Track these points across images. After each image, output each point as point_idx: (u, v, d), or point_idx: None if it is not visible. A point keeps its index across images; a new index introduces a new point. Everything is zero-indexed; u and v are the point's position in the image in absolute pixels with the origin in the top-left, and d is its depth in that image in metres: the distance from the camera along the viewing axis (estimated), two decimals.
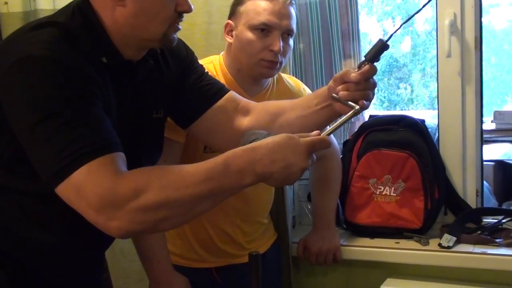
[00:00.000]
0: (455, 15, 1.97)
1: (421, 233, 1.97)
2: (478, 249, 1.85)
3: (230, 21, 1.73)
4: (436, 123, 2.11)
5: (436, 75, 2.07)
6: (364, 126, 2.10)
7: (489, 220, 2.01)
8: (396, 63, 4.24)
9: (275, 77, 1.85)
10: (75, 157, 1.08)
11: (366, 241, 2.02)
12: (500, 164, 2.95)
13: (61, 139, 1.09)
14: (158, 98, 1.41)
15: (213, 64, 1.77)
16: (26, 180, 1.21)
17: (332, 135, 2.00)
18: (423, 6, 1.43)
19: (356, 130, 2.15)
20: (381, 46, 1.33)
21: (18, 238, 1.29)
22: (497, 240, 1.88)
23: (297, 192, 2.28)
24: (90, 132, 1.11)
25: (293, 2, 1.73)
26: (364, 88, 1.33)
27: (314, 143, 1.16)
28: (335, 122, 1.32)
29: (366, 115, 2.25)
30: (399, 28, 1.39)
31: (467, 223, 1.97)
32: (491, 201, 2.59)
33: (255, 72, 1.71)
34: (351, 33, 2.38)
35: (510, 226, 1.93)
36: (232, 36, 1.72)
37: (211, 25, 2.09)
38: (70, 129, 1.10)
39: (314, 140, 1.16)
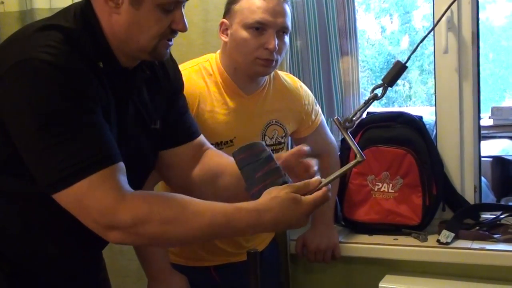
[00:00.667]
0: (452, 11, 1.96)
1: (419, 229, 1.97)
2: (476, 245, 1.85)
3: (225, 20, 1.73)
4: (434, 119, 2.11)
5: (433, 72, 2.06)
6: (362, 123, 2.09)
7: (487, 216, 2.01)
8: (394, 60, 4.24)
9: (271, 74, 1.84)
10: (77, 168, 1.10)
11: (365, 238, 2.02)
12: (498, 160, 2.95)
13: (63, 147, 1.10)
14: (156, 109, 1.40)
15: (210, 62, 1.77)
16: (22, 182, 1.21)
17: (330, 132, 2.02)
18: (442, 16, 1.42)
19: (354, 127, 2.14)
20: (400, 69, 1.30)
21: (14, 239, 1.29)
22: (495, 236, 1.88)
23: None
24: (92, 142, 1.13)
25: None
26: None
27: (316, 203, 1.20)
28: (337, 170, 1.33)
29: (364, 113, 2.24)
30: (416, 48, 1.36)
31: (465, 219, 1.97)
32: (489, 197, 2.60)
33: (251, 71, 1.71)
34: (348, 30, 2.38)
35: (508, 221, 1.93)
36: (227, 35, 1.72)
37: (207, 23, 2.09)
38: (71, 138, 1.11)
39: (316, 200, 1.20)
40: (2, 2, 2.31)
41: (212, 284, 1.84)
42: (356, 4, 2.44)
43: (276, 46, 1.65)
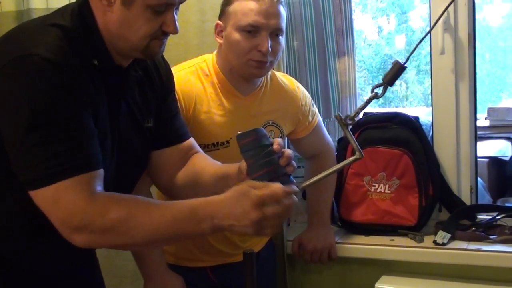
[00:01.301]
0: (448, 12, 1.96)
1: (415, 230, 1.97)
2: (472, 246, 1.85)
3: (219, 22, 1.73)
4: (431, 120, 2.11)
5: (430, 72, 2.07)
6: (359, 124, 2.09)
7: (483, 216, 2.01)
8: (391, 60, 4.24)
9: (268, 75, 1.84)
10: (57, 170, 1.13)
11: (361, 238, 2.02)
12: (494, 161, 2.95)
13: (47, 147, 1.13)
14: (149, 108, 1.41)
15: (206, 63, 1.77)
16: (9, 177, 1.21)
17: (327, 133, 2.02)
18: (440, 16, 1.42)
19: (350, 127, 2.14)
20: (399, 69, 1.30)
21: (8, 238, 1.29)
22: (492, 237, 1.88)
23: None
24: (76, 146, 1.15)
25: (282, 0, 1.71)
26: None
27: (264, 199, 1.15)
28: (318, 175, 1.31)
29: (360, 113, 2.24)
30: (414, 49, 1.36)
31: (461, 220, 1.97)
32: (485, 198, 2.60)
33: (245, 72, 1.71)
34: (345, 30, 2.37)
35: (504, 222, 1.93)
36: (222, 37, 1.72)
37: (204, 23, 2.08)
38: (57, 140, 1.13)
39: (265, 195, 1.15)
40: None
41: (208, 285, 1.84)
42: (353, 4, 2.44)
43: (269, 48, 1.65)
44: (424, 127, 2.08)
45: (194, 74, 1.74)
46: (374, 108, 3.25)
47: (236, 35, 1.66)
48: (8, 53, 1.16)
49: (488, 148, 3.18)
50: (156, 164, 1.48)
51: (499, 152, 3.18)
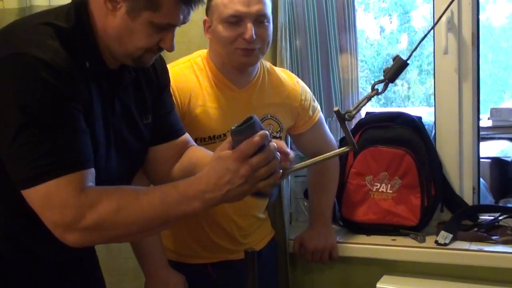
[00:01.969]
0: (452, 11, 1.96)
1: (417, 230, 1.97)
2: (474, 246, 1.85)
3: (206, 18, 1.74)
4: (433, 120, 2.10)
5: (433, 72, 2.06)
6: (361, 123, 2.09)
7: (485, 217, 2.01)
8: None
9: (266, 69, 1.84)
10: (48, 169, 1.12)
11: (363, 238, 2.02)
12: (496, 161, 2.95)
13: (39, 146, 1.13)
14: (146, 103, 1.42)
15: (201, 58, 1.79)
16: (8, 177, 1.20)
17: (329, 131, 2.01)
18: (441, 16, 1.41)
19: (352, 127, 2.14)
20: (401, 65, 1.28)
21: (8, 238, 1.29)
22: (494, 237, 1.87)
23: (293, 189, 2.28)
24: (67, 145, 1.15)
25: None
26: None
27: (243, 150, 1.15)
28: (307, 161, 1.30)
29: (362, 112, 2.24)
30: (417, 46, 1.35)
31: (463, 220, 1.97)
32: (487, 198, 2.59)
33: (235, 62, 1.72)
34: (348, 27, 2.37)
35: (506, 223, 1.93)
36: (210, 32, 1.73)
37: None
38: (49, 139, 1.13)
39: (241, 146, 1.15)
40: None
41: (209, 282, 1.84)
42: (355, 3, 2.43)
43: (254, 35, 1.65)
44: (426, 127, 2.07)
45: (189, 69, 1.76)
46: (376, 108, 3.25)
47: (221, 28, 1.68)
48: (1, 50, 1.16)
49: (491, 149, 3.18)
50: (152, 159, 1.48)
51: (501, 153, 3.18)
